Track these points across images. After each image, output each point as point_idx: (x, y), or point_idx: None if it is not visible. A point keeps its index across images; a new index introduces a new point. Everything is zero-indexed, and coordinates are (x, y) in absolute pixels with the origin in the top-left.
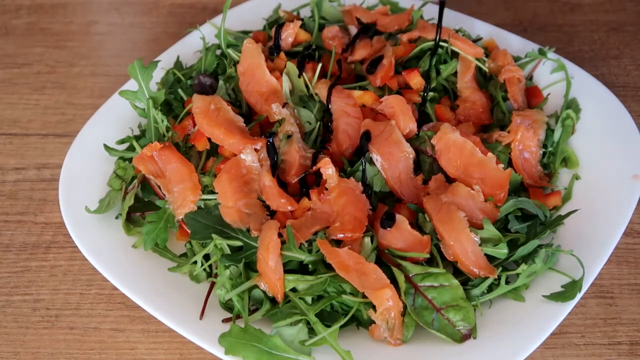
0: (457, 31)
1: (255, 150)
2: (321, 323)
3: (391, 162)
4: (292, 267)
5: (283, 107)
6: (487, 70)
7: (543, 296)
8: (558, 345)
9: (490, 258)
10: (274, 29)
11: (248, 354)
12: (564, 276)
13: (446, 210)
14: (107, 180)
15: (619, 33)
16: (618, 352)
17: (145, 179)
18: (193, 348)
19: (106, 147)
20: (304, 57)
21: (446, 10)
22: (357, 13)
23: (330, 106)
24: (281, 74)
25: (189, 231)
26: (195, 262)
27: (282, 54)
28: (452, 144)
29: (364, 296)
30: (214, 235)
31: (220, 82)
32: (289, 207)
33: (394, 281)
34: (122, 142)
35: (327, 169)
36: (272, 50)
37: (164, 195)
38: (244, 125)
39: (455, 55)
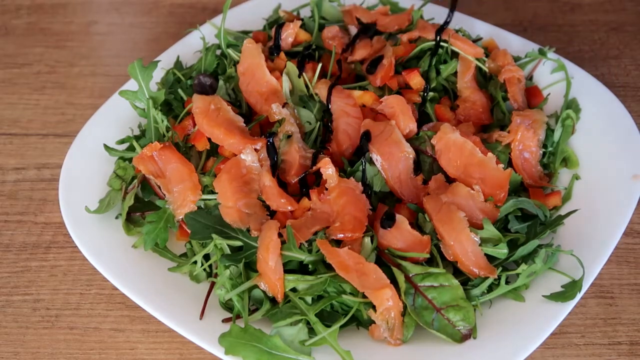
0: (457, 31)
1: (255, 150)
2: (321, 323)
3: (391, 162)
4: (292, 267)
5: (283, 107)
6: (487, 70)
7: (543, 296)
8: (558, 345)
9: (490, 258)
10: (274, 29)
11: (248, 354)
12: (564, 276)
13: (446, 210)
14: (107, 180)
15: (619, 33)
16: (618, 352)
17: (145, 179)
18: (193, 348)
19: (106, 147)
20: (304, 57)
21: (446, 10)
22: (357, 13)
23: (330, 106)
24: (281, 74)
25: (189, 231)
26: (195, 262)
27: (282, 54)
28: (452, 144)
29: (364, 296)
30: (214, 235)
31: (220, 82)
32: (289, 207)
33: (394, 281)
34: (122, 142)
35: (327, 169)
36: (272, 50)
37: (164, 195)
38: (244, 125)
39: (455, 55)
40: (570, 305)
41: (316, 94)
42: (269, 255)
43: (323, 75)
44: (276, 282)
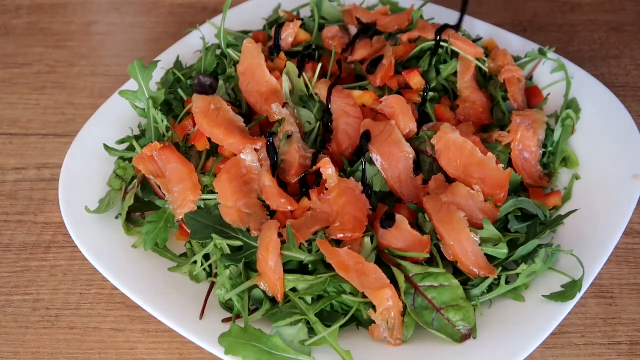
0: (457, 31)
1: (255, 150)
2: (321, 323)
3: (391, 162)
4: (292, 267)
5: (283, 107)
6: (487, 70)
7: (543, 296)
8: (558, 345)
9: (490, 258)
10: (274, 29)
11: (248, 354)
12: (564, 276)
13: (446, 210)
14: (107, 180)
15: (619, 33)
16: (618, 352)
17: (145, 179)
18: (193, 348)
19: (106, 147)
20: (304, 57)
21: (446, 10)
22: (357, 13)
23: (330, 106)
24: (281, 74)
25: (189, 231)
26: (195, 262)
27: (282, 54)
28: (452, 144)
29: (364, 296)
30: (214, 235)
31: (220, 82)
32: (289, 207)
33: (394, 281)
34: (122, 142)
35: (327, 169)
36: (272, 50)
37: (164, 195)
38: (244, 125)
39: (455, 55)
40: (570, 305)
41: (316, 94)
42: (269, 255)
43: (323, 75)
44: (276, 282)
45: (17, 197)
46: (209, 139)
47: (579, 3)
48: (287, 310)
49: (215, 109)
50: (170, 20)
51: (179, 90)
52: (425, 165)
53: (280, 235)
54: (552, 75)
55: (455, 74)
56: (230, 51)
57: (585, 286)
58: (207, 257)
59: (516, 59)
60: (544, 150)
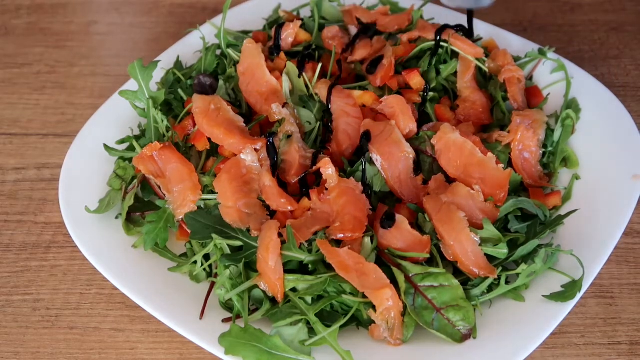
0: (457, 31)
1: (255, 150)
2: (321, 323)
3: (391, 162)
4: (292, 267)
5: (283, 107)
6: (487, 70)
7: (543, 296)
8: (558, 345)
9: (490, 258)
10: (274, 29)
11: (248, 354)
12: (564, 276)
13: (446, 210)
14: (107, 180)
15: (619, 33)
16: (618, 352)
17: (145, 179)
18: (193, 348)
19: (106, 147)
20: (304, 57)
21: (446, 11)
22: (357, 13)
23: (330, 106)
24: (281, 74)
25: (189, 231)
26: (195, 262)
27: (282, 54)
28: (452, 144)
29: (364, 296)
30: (214, 235)
31: (220, 82)
32: (289, 207)
33: (394, 281)
34: (122, 142)
35: (327, 169)
36: (272, 50)
37: (164, 195)
38: (244, 125)
39: (455, 55)
40: (570, 305)
41: (316, 94)
42: (269, 255)
43: (323, 75)
44: (276, 282)
45: (17, 197)
46: (209, 139)
47: (579, 3)
48: (287, 310)
49: (215, 109)
50: (170, 20)
51: (179, 90)
52: (425, 165)
53: (280, 235)
54: (552, 75)
55: (455, 74)
56: (230, 51)
57: (585, 286)
58: (207, 257)
59: (516, 59)
60: (544, 150)
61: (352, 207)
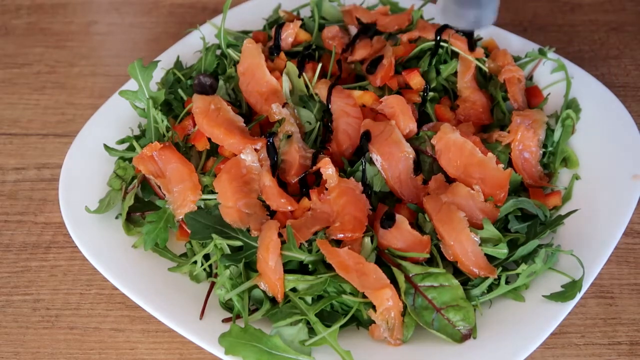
0: (457, 31)
1: (255, 150)
2: (321, 323)
3: (391, 162)
4: (292, 267)
5: (283, 107)
6: (487, 70)
7: (543, 296)
8: (558, 345)
9: (490, 258)
10: (274, 29)
11: (248, 354)
12: (564, 276)
13: (446, 210)
14: (107, 180)
15: (619, 33)
16: (618, 352)
17: (145, 179)
18: (193, 348)
19: (106, 147)
20: (304, 57)
21: None
22: (357, 13)
23: (330, 106)
24: (281, 74)
25: (189, 231)
26: (195, 262)
27: (282, 54)
28: (452, 144)
29: (364, 296)
30: (214, 235)
31: (220, 82)
32: (289, 207)
33: (394, 281)
34: (122, 142)
35: (327, 169)
36: (272, 50)
37: (164, 195)
38: (244, 125)
39: (455, 55)
40: (570, 305)
41: (316, 94)
42: (269, 255)
43: (323, 75)
44: (276, 282)
45: (17, 197)
46: (209, 139)
47: (579, 3)
48: (287, 310)
49: (215, 109)
50: (170, 20)
51: (179, 90)
52: (425, 165)
53: (280, 235)
54: (552, 75)
55: (455, 74)
56: (230, 51)
57: (585, 286)
58: (207, 257)
59: (516, 59)
60: (544, 150)
61: (352, 207)
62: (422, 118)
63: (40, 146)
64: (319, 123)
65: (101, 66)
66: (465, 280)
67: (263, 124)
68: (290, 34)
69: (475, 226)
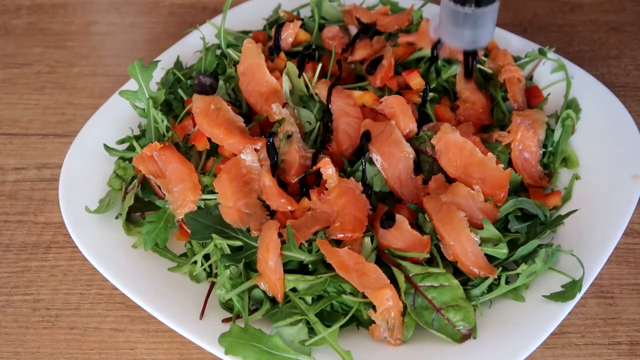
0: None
1: (255, 150)
2: (321, 323)
3: (391, 162)
4: (292, 267)
5: (283, 107)
6: (487, 70)
7: (543, 296)
8: (558, 345)
9: (490, 258)
10: (274, 29)
11: (248, 354)
12: (564, 276)
13: (446, 210)
14: (107, 180)
15: (619, 33)
16: (618, 352)
17: (145, 179)
18: (193, 348)
19: (106, 147)
20: (304, 57)
21: None
22: (357, 13)
23: (330, 106)
24: (281, 74)
25: (189, 231)
26: (195, 262)
27: (282, 54)
28: (452, 144)
29: (364, 296)
30: (214, 235)
31: (220, 82)
32: (289, 207)
33: (394, 281)
34: (122, 142)
35: (327, 169)
36: (272, 50)
37: (164, 195)
38: (244, 125)
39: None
40: (570, 305)
41: (316, 94)
42: (269, 255)
43: (323, 75)
44: (276, 282)
45: (17, 197)
46: (209, 139)
47: (579, 3)
48: (287, 310)
49: (215, 109)
50: (170, 20)
51: (179, 90)
52: (425, 165)
53: (280, 235)
54: (552, 75)
55: (455, 75)
56: (230, 51)
57: (585, 286)
58: (207, 257)
59: (516, 59)
60: (544, 150)
61: (352, 207)
62: (422, 118)
63: (40, 146)
64: (319, 123)
65: (101, 66)
66: (465, 280)
67: (263, 124)
68: (290, 34)
69: (475, 226)
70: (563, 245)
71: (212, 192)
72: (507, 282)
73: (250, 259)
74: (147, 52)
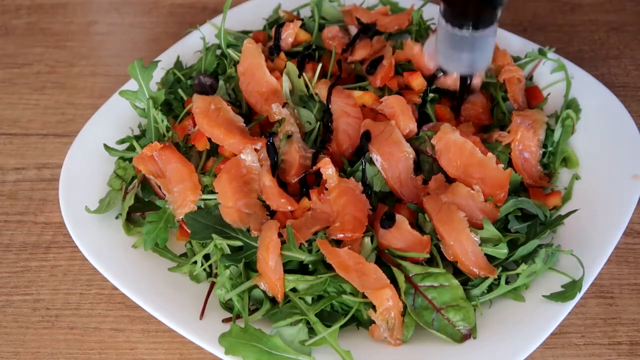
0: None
1: (255, 150)
2: (321, 323)
3: (391, 162)
4: (292, 267)
5: (283, 107)
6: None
7: (543, 296)
8: (558, 345)
9: (490, 258)
10: (274, 29)
11: (248, 354)
12: (564, 276)
13: (446, 210)
14: (107, 180)
15: (619, 33)
16: (618, 352)
17: (145, 179)
18: (193, 348)
19: (106, 147)
20: (304, 57)
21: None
22: (357, 13)
23: (330, 106)
24: (281, 74)
25: (189, 231)
26: (195, 262)
27: (282, 54)
28: (452, 144)
29: (364, 296)
30: (214, 235)
31: (220, 82)
32: (289, 207)
33: (394, 281)
34: (122, 142)
35: (327, 169)
36: (272, 50)
37: (164, 195)
38: (244, 125)
39: None
40: (570, 305)
41: (316, 94)
42: (269, 255)
43: (323, 75)
44: (276, 282)
45: (17, 197)
46: (209, 139)
47: (579, 3)
48: (287, 310)
49: (215, 109)
50: (170, 20)
51: (179, 90)
52: (425, 165)
53: (280, 235)
54: (552, 75)
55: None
56: (230, 51)
57: (585, 286)
58: (207, 257)
59: (516, 59)
60: (544, 150)
61: (352, 207)
62: (422, 118)
63: (40, 146)
64: (319, 123)
65: (101, 66)
66: (465, 280)
67: (263, 124)
68: (290, 34)
69: (475, 226)
70: (563, 245)
71: (212, 192)
72: (507, 282)
73: (250, 259)
74: (147, 52)
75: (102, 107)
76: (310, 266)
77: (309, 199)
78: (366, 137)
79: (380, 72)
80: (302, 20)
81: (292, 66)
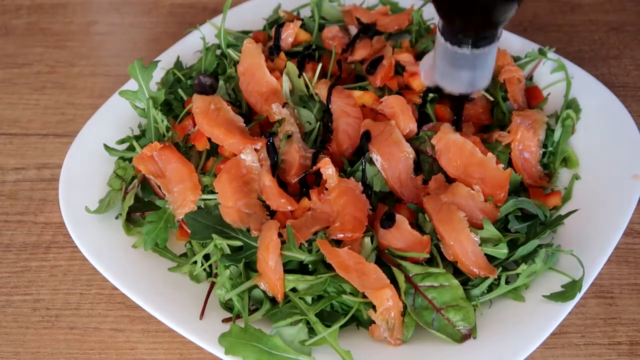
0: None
1: (255, 150)
2: (321, 323)
3: (391, 162)
4: (292, 267)
5: (283, 107)
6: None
7: (543, 296)
8: (558, 345)
9: (490, 258)
10: (274, 29)
11: (248, 354)
12: (564, 276)
13: (446, 210)
14: (107, 180)
15: (619, 33)
16: (618, 352)
17: (145, 179)
18: (193, 348)
19: (106, 147)
20: (304, 57)
21: None
22: (357, 13)
23: (330, 106)
24: (281, 74)
25: (189, 231)
26: (195, 262)
27: (282, 54)
28: (452, 144)
29: (364, 296)
30: (214, 235)
31: (220, 82)
32: (289, 207)
33: (394, 281)
34: (122, 142)
35: (327, 169)
36: (272, 50)
37: (164, 195)
38: (244, 125)
39: None
40: (570, 305)
41: (316, 94)
42: (269, 255)
43: (323, 75)
44: (276, 282)
45: (17, 197)
46: (209, 139)
47: (579, 3)
48: (287, 310)
49: (215, 109)
50: (170, 20)
51: (179, 90)
52: (425, 165)
53: (280, 235)
54: (552, 75)
55: None
56: (230, 51)
57: (585, 286)
58: (207, 257)
59: (516, 59)
60: (544, 150)
61: (352, 207)
62: (422, 118)
63: (40, 146)
64: (319, 123)
65: (101, 66)
66: (465, 280)
67: (263, 124)
68: (290, 34)
69: (475, 226)
70: (563, 245)
71: (212, 192)
72: (507, 282)
73: (250, 259)
74: (147, 52)
75: (102, 107)
76: (310, 266)
77: (309, 199)
78: (366, 137)
79: (380, 72)
80: (302, 20)
81: (292, 66)
